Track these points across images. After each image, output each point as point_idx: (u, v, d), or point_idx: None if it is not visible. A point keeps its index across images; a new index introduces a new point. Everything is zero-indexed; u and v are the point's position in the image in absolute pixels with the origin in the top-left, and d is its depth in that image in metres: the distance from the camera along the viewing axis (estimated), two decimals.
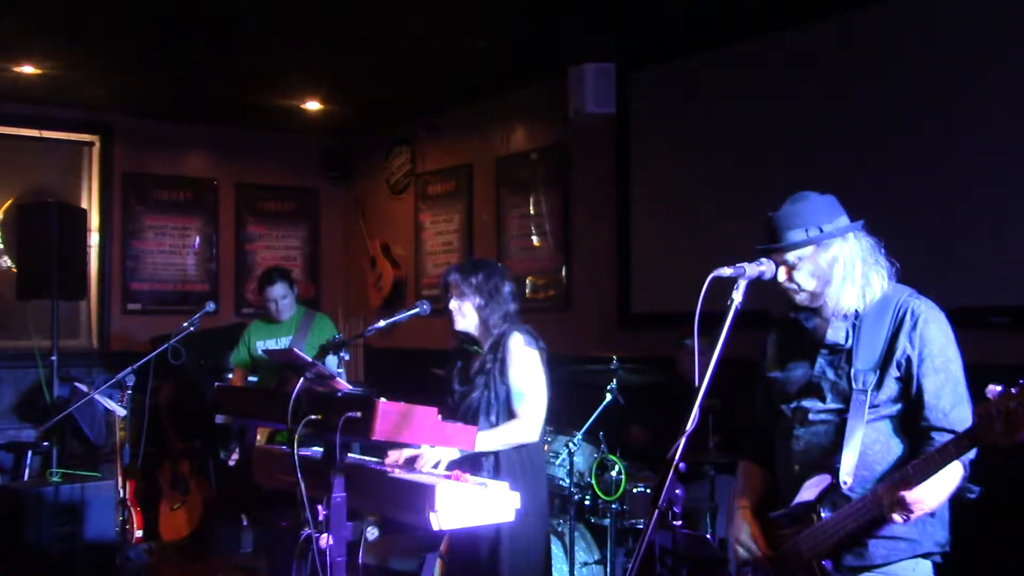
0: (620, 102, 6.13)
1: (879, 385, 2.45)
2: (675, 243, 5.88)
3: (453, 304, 3.63)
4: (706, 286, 2.28)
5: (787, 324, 2.68)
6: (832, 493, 2.45)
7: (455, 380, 3.73)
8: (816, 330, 2.60)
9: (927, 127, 4.65)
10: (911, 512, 2.25)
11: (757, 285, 2.46)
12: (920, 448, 2.40)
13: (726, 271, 2.38)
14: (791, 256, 2.51)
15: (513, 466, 3.53)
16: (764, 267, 2.47)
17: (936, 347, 2.43)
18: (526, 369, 3.54)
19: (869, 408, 2.44)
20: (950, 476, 2.27)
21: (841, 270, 2.50)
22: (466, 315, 3.62)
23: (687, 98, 5.90)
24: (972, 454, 2.29)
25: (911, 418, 2.44)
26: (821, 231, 2.49)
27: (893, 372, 2.44)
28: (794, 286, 2.54)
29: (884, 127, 4.80)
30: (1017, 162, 4.31)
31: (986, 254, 4.41)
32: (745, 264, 2.43)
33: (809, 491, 2.49)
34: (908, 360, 2.43)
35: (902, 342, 2.44)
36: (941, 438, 2.33)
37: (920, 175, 4.65)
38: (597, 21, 5.59)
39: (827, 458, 2.48)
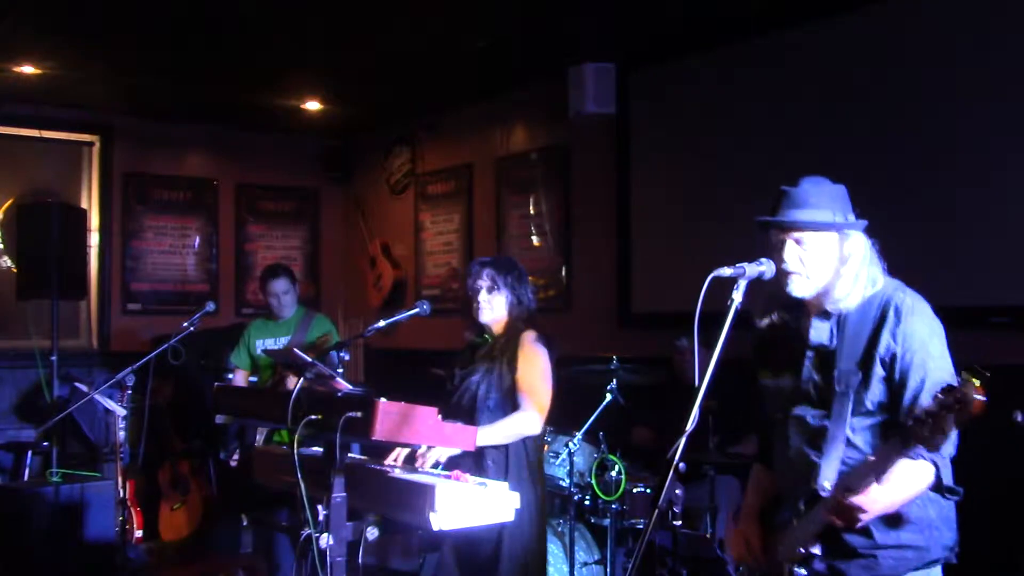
0: (620, 102, 6.13)
1: (865, 385, 2.33)
2: (675, 243, 5.88)
3: (483, 296, 3.69)
4: (706, 286, 2.25)
5: (773, 327, 2.60)
6: (814, 500, 2.36)
7: (457, 365, 3.80)
8: (803, 331, 2.49)
9: (927, 126, 4.65)
10: (857, 519, 2.18)
11: (757, 285, 2.44)
12: None
13: (726, 271, 2.33)
14: (808, 236, 2.39)
15: (511, 466, 3.54)
16: (764, 267, 2.39)
17: (917, 342, 2.30)
18: (534, 363, 3.60)
19: (853, 412, 2.34)
20: (907, 477, 2.18)
21: (855, 265, 2.39)
22: (495, 308, 3.70)
23: (687, 98, 5.90)
24: (951, 452, 2.24)
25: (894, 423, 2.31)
26: (846, 219, 2.39)
27: (878, 371, 2.32)
28: (800, 270, 2.40)
29: (884, 126, 4.80)
30: (1018, 161, 4.31)
31: (987, 254, 4.41)
32: (745, 264, 2.37)
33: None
34: (892, 357, 2.31)
35: (885, 338, 2.32)
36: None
37: (920, 174, 4.66)
38: (597, 21, 5.59)
39: (810, 465, 2.39)
